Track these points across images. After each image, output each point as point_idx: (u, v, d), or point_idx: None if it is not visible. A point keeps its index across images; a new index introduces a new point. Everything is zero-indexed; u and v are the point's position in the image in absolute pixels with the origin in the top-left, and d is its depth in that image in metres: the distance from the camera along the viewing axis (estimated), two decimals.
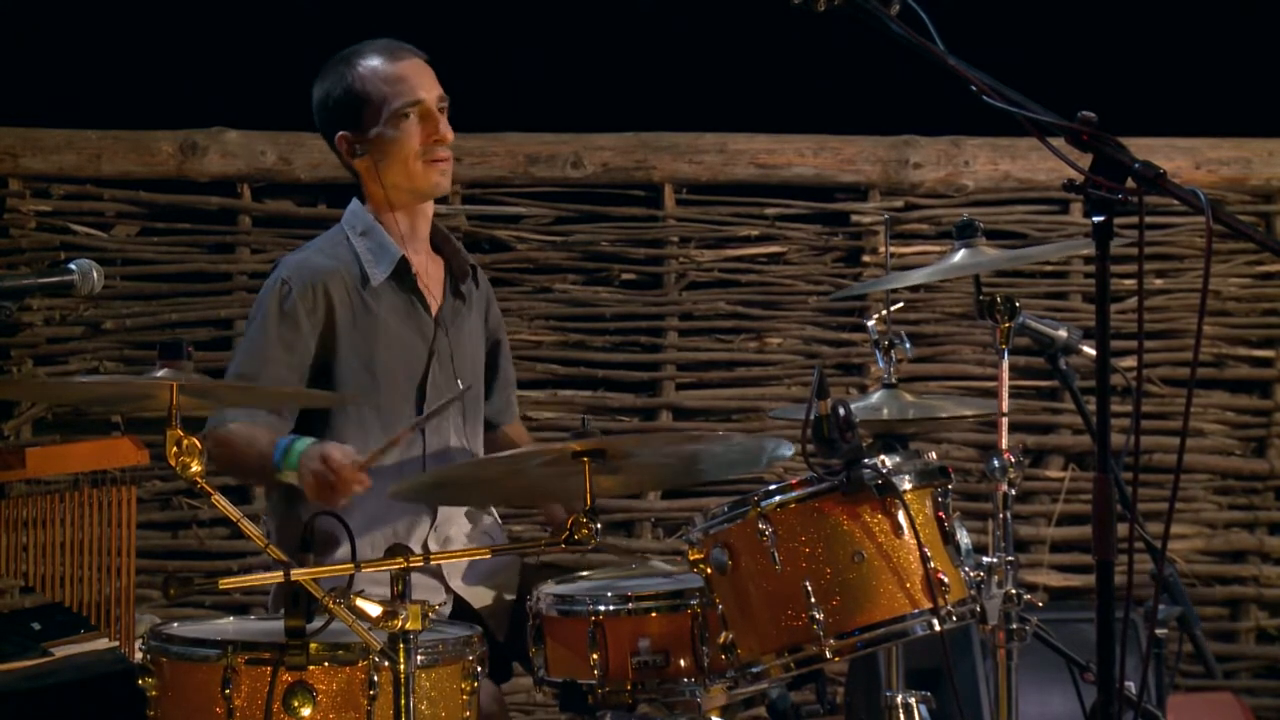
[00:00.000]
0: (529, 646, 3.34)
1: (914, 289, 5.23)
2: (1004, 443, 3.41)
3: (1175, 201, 2.50)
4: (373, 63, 3.65)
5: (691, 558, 3.15)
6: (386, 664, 2.86)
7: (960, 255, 3.57)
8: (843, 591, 3.03)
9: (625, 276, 5.36)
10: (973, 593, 3.14)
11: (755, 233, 5.38)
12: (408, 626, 2.80)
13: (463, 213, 5.24)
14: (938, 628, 3.04)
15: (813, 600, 3.01)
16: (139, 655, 3.13)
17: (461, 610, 3.62)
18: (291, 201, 5.26)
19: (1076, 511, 5.39)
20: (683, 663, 3.20)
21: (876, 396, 3.78)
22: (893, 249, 5.22)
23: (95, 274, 3.27)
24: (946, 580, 3.05)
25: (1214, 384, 5.52)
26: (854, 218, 5.38)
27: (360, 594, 2.80)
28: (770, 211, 5.37)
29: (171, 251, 5.21)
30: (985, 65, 2.60)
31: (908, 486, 3.08)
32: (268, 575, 2.92)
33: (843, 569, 3.04)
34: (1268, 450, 5.51)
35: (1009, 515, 3.39)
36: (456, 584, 3.63)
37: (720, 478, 3.74)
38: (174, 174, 5.18)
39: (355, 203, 3.75)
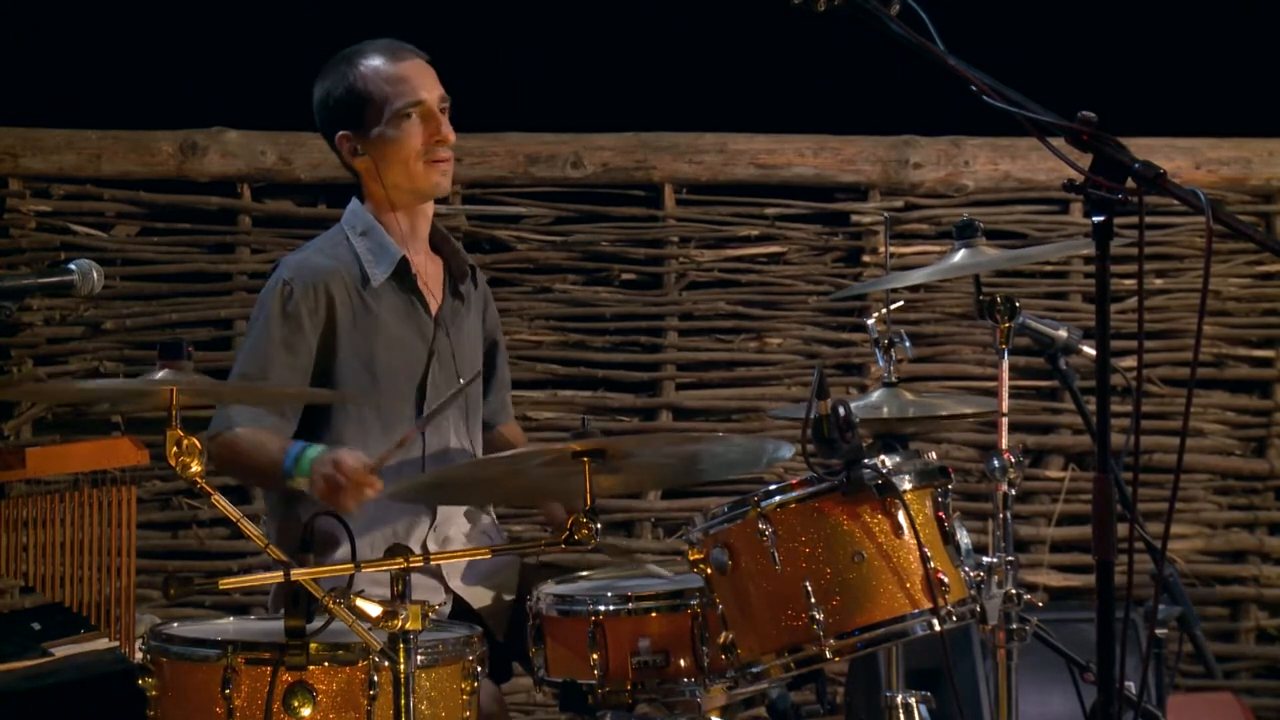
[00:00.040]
0: (529, 646, 3.34)
1: (914, 289, 5.23)
2: (1004, 443, 3.41)
3: (1175, 201, 2.50)
4: (375, 62, 3.65)
5: (691, 558, 3.15)
6: (386, 664, 2.86)
7: (960, 255, 3.56)
8: (843, 591, 3.03)
9: (625, 276, 5.36)
10: (973, 593, 3.14)
11: (755, 233, 5.38)
12: (408, 626, 2.80)
13: (463, 213, 5.24)
14: (938, 628, 3.04)
15: (813, 600, 3.01)
16: (139, 655, 3.13)
17: (461, 610, 3.62)
18: (291, 201, 5.26)
19: (1076, 511, 5.39)
20: (683, 663, 3.20)
21: (876, 395, 3.78)
22: (893, 249, 5.22)
23: (95, 274, 3.27)
24: (946, 580, 3.05)
25: (1214, 384, 5.52)
26: (854, 218, 5.38)
27: (360, 594, 2.80)
28: (770, 211, 5.37)
29: (171, 251, 5.21)
30: (985, 65, 2.60)
31: (908, 486, 3.08)
32: (268, 575, 2.91)
33: (843, 569, 3.04)
34: (1268, 450, 5.51)
35: (1009, 515, 3.39)
36: (456, 584, 3.63)
37: (720, 478, 3.74)
38: (174, 174, 5.18)
39: (355, 202, 3.75)
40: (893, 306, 3.68)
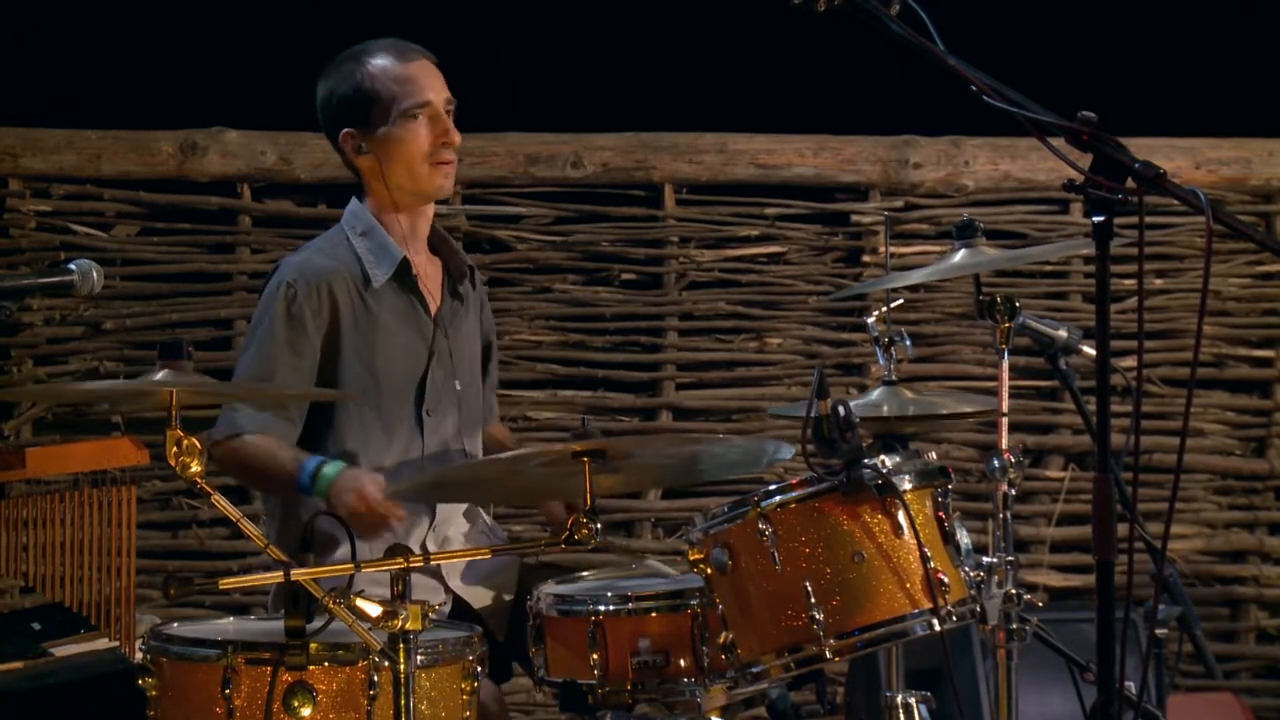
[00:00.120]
0: (529, 646, 3.34)
1: (914, 289, 5.23)
2: (1004, 443, 3.41)
3: (1175, 201, 2.50)
4: (383, 61, 3.64)
5: (691, 558, 3.15)
6: (386, 664, 2.86)
7: (960, 255, 3.56)
8: (843, 591, 3.03)
9: (625, 276, 5.36)
10: (973, 593, 3.14)
11: (755, 233, 5.38)
12: (408, 626, 2.80)
13: (463, 213, 5.24)
14: (938, 628, 3.04)
15: (813, 600, 3.01)
16: (139, 655, 3.13)
17: (461, 610, 3.62)
18: (291, 201, 5.26)
19: (1076, 511, 5.39)
20: (683, 663, 3.20)
21: (877, 394, 3.78)
22: (893, 249, 5.22)
23: (95, 274, 3.27)
24: (946, 580, 3.05)
25: (1214, 384, 5.52)
26: (854, 218, 5.38)
27: (360, 594, 2.80)
28: (770, 211, 5.37)
29: (171, 251, 5.21)
30: (985, 65, 2.60)
31: (908, 486, 3.08)
32: (268, 575, 2.91)
33: (843, 569, 3.04)
34: (1268, 450, 5.51)
35: (1009, 515, 3.39)
36: (456, 584, 3.63)
37: (720, 478, 3.73)
38: (174, 174, 5.18)
39: (354, 202, 3.74)
40: (893, 306, 3.68)
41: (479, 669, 3.09)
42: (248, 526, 2.86)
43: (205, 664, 2.96)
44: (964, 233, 3.57)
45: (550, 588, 3.37)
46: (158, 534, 5.15)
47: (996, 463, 3.39)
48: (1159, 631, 3.87)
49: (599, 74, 5.20)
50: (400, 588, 2.82)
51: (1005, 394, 3.44)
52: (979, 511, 5.06)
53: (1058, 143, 2.55)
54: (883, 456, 3.07)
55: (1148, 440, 5.32)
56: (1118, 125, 2.51)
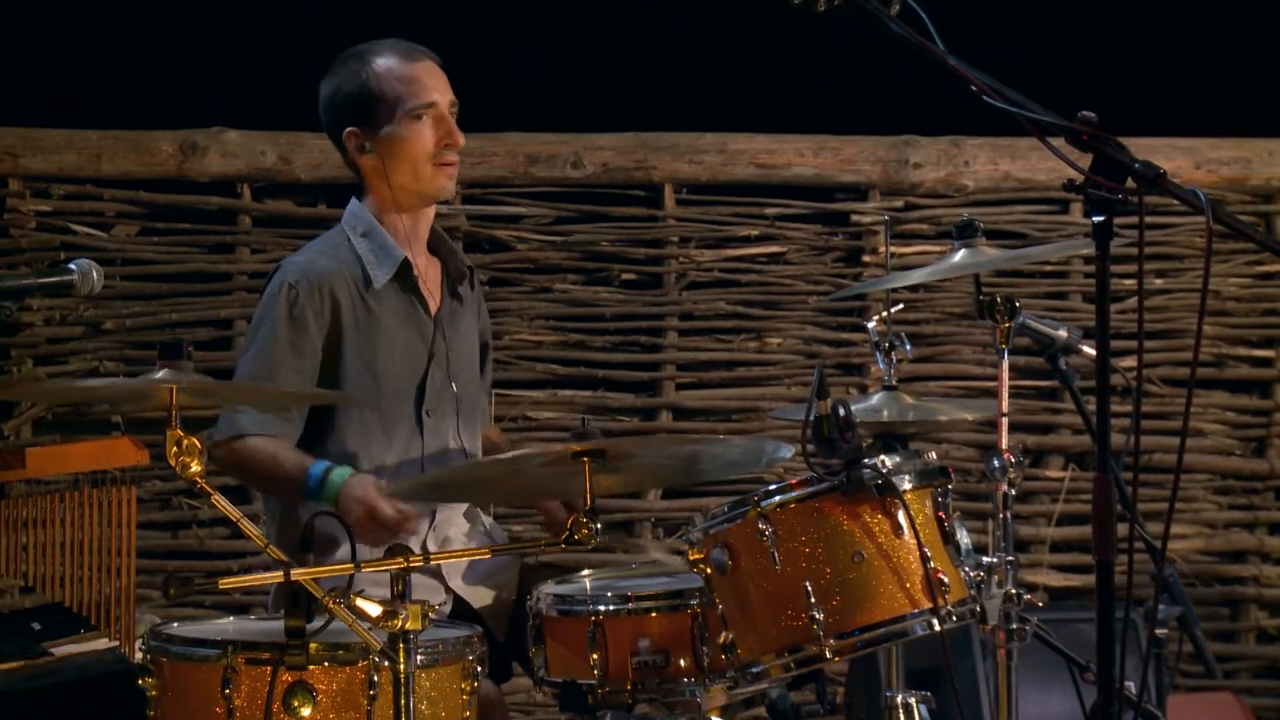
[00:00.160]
0: (529, 646, 3.34)
1: (914, 289, 5.24)
2: (1004, 443, 3.41)
3: (1175, 201, 2.50)
4: (389, 61, 3.64)
5: (691, 558, 3.15)
6: (386, 664, 2.86)
7: (960, 255, 3.56)
8: (843, 591, 3.03)
9: (625, 276, 5.36)
10: (973, 593, 3.14)
11: (755, 233, 5.38)
12: (408, 626, 2.80)
13: (463, 213, 5.24)
14: (938, 628, 3.04)
15: (813, 600, 3.01)
16: (139, 655, 3.13)
17: (461, 610, 3.62)
18: (291, 201, 5.26)
19: (1076, 511, 5.39)
20: (683, 663, 3.20)
21: (876, 398, 3.78)
22: (893, 249, 5.22)
23: (95, 274, 3.27)
24: (946, 580, 3.05)
25: (1214, 384, 5.52)
26: (854, 218, 5.38)
27: (360, 594, 2.80)
28: (770, 211, 5.37)
29: (171, 251, 5.21)
30: (985, 65, 2.60)
31: (908, 486, 3.08)
32: (268, 575, 2.91)
33: (843, 569, 3.04)
34: (1268, 450, 5.51)
35: (1009, 515, 3.39)
36: (456, 584, 3.63)
37: (720, 478, 3.74)
38: (174, 174, 5.18)
39: (354, 203, 3.74)
40: (893, 308, 3.68)
41: (479, 669, 3.09)
42: (248, 526, 2.86)
43: (205, 664, 2.96)
44: (964, 233, 3.57)
45: (550, 588, 3.37)
46: (158, 534, 5.15)
47: (996, 463, 3.39)
48: (1159, 631, 3.87)
49: (599, 74, 5.20)
50: (400, 588, 2.82)
51: (1005, 394, 3.44)
52: (979, 511, 5.06)
53: (1058, 143, 2.55)
54: (883, 456, 3.07)
55: (1148, 440, 5.32)
56: (1118, 125, 2.51)
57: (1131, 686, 3.26)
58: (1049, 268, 5.44)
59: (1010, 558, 3.32)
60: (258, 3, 5.13)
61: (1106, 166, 2.49)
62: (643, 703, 3.24)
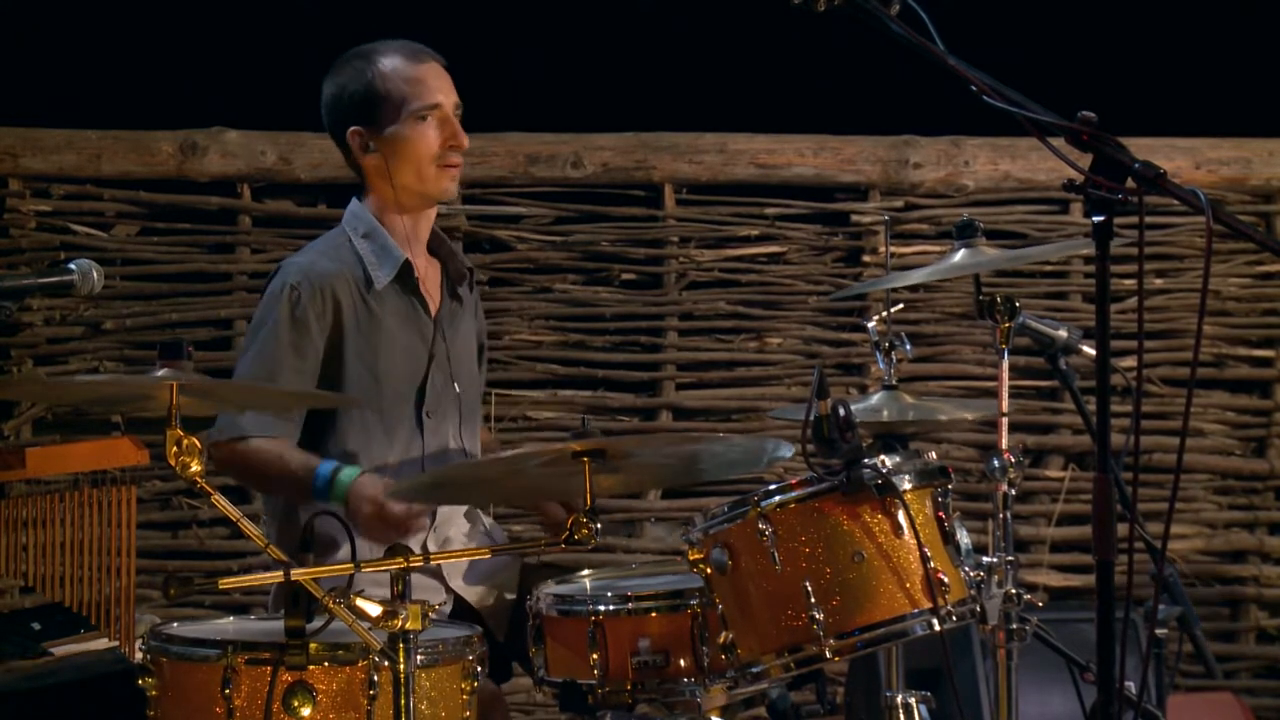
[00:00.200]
0: (529, 646, 3.34)
1: (914, 289, 5.24)
2: (1004, 443, 3.41)
3: (1175, 201, 2.50)
4: (395, 61, 3.64)
5: (691, 558, 3.15)
6: (386, 664, 2.86)
7: (960, 255, 3.56)
8: (843, 591, 3.03)
9: (625, 276, 5.36)
10: (973, 593, 3.14)
11: (755, 233, 5.38)
12: (408, 626, 2.80)
13: (463, 213, 5.24)
14: (938, 628, 3.04)
15: (813, 600, 3.01)
16: (139, 655, 3.13)
17: (461, 610, 3.62)
18: (291, 201, 5.26)
19: (1076, 511, 5.39)
20: (683, 663, 3.20)
21: (876, 398, 3.78)
22: (893, 249, 5.23)
23: (95, 274, 3.27)
24: (946, 580, 3.05)
25: (1214, 384, 5.52)
26: (854, 218, 5.38)
27: (360, 594, 2.80)
28: (770, 211, 5.37)
29: (171, 251, 5.21)
30: (985, 65, 2.59)
31: (908, 486, 3.08)
32: (268, 575, 2.91)
33: (843, 569, 3.03)
34: (1268, 450, 5.51)
35: (1009, 515, 3.39)
36: (456, 584, 3.63)
37: (720, 478, 3.73)
38: (174, 174, 5.18)
39: (355, 203, 3.74)
40: (893, 308, 3.68)
41: (479, 669, 3.09)
42: (248, 526, 2.86)
43: (205, 664, 2.96)
44: (964, 233, 3.57)
45: (550, 588, 3.37)
46: (158, 534, 5.15)
47: (996, 463, 3.39)
48: (1159, 631, 3.87)
49: (599, 74, 5.20)
50: (400, 588, 2.82)
51: (1005, 394, 3.44)
52: (979, 511, 5.06)
53: (1058, 143, 2.55)
54: (883, 456, 3.06)
55: (1148, 440, 5.32)
56: (1118, 125, 2.51)
57: (1131, 686, 3.26)
58: (1049, 268, 5.44)
59: (1010, 558, 3.32)
60: (258, 3, 5.13)
61: (1106, 166, 2.49)
62: (643, 703, 3.24)
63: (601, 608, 3.24)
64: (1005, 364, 3.46)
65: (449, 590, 3.62)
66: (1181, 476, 5.29)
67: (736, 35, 5.21)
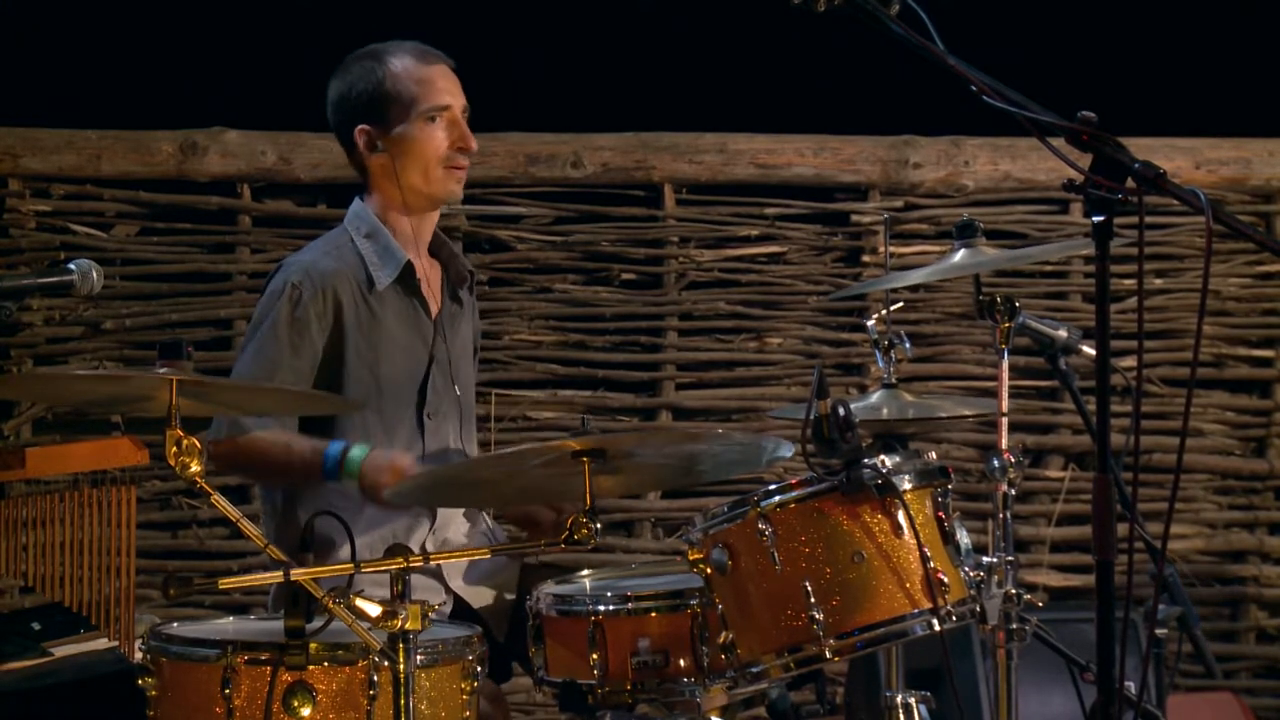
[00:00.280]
0: (529, 646, 3.34)
1: (914, 289, 5.24)
2: (1004, 443, 3.41)
3: (1175, 201, 2.50)
4: (404, 61, 3.64)
5: (691, 558, 3.15)
6: (386, 664, 2.86)
7: (960, 255, 3.57)
8: (843, 591, 3.03)
9: (625, 276, 5.36)
10: (973, 593, 3.14)
11: (755, 233, 5.38)
12: (407, 626, 2.80)
13: (463, 213, 5.24)
14: (938, 628, 3.04)
15: (813, 600, 3.01)
16: (139, 655, 3.13)
17: (461, 610, 3.62)
18: (291, 201, 5.26)
19: (1076, 511, 5.39)
20: (682, 663, 3.20)
21: (876, 396, 3.78)
22: (893, 249, 5.22)
23: (95, 274, 3.27)
24: (946, 580, 3.04)
25: (1214, 384, 5.52)
26: (854, 218, 5.38)
27: (360, 594, 2.80)
28: (770, 211, 5.37)
29: (171, 251, 5.21)
30: (985, 65, 2.59)
31: (908, 486, 3.08)
32: (268, 575, 2.91)
33: (843, 569, 3.03)
34: (1268, 450, 5.51)
35: (1009, 515, 3.39)
36: (456, 584, 3.63)
37: (720, 478, 3.73)
38: (174, 174, 5.18)
39: (357, 203, 3.73)
40: (893, 307, 3.68)
41: (479, 669, 3.09)
42: (248, 526, 2.86)
43: (205, 664, 2.96)
44: (964, 233, 3.57)
45: (550, 588, 3.37)
46: (158, 534, 5.15)
47: (996, 463, 3.39)
48: (1159, 631, 3.88)
49: (599, 74, 5.20)
50: (400, 588, 2.82)
51: (1005, 394, 3.44)
52: (979, 511, 5.06)
53: (1058, 143, 2.55)
54: (882, 456, 3.06)
55: (1148, 440, 5.32)
56: (1118, 125, 2.51)
57: (1131, 686, 3.26)
58: (1049, 268, 5.44)
59: (1010, 558, 3.32)
60: (258, 3, 5.13)
61: (1106, 166, 2.49)
62: (642, 703, 3.24)
63: (601, 608, 3.24)
64: (1005, 364, 3.46)
65: (449, 590, 3.61)
66: (1181, 476, 5.28)
67: (736, 35, 5.21)
